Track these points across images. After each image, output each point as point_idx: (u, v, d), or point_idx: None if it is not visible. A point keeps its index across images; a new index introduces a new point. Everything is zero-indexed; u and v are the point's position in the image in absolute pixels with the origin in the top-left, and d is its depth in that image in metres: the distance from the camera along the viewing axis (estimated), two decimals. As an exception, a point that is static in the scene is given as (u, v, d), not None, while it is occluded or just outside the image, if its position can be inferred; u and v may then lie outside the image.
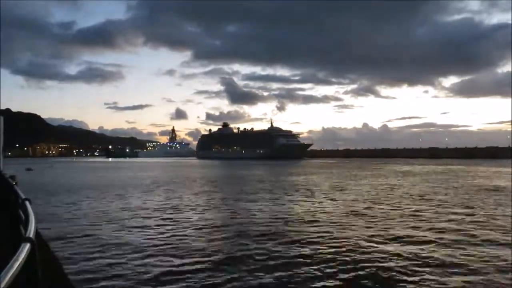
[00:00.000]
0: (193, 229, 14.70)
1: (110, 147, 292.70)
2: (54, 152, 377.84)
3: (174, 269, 9.58)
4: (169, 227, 15.08)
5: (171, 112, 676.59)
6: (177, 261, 10.27)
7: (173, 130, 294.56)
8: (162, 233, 14.00)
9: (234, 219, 16.98)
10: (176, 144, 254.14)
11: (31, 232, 2.70)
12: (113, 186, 34.37)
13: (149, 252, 11.24)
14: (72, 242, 12.44)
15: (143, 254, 10.94)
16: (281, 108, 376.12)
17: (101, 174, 57.18)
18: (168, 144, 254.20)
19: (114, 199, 24.47)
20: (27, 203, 4.04)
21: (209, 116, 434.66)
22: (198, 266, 9.79)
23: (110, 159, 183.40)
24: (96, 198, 24.75)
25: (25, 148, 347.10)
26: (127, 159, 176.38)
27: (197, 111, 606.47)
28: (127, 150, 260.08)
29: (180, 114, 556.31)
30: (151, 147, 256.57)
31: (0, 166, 12.45)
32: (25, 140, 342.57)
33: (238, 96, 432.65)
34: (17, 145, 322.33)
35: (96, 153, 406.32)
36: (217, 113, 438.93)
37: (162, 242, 12.45)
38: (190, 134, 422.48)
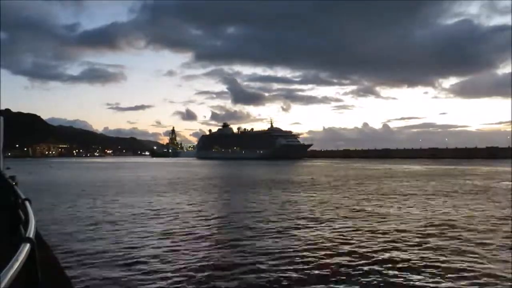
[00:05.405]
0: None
1: (155, 148, 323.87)
2: (54, 152, 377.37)
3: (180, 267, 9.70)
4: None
5: (181, 112, 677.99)
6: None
7: (173, 131, 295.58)
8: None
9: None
10: None
11: (31, 232, 2.70)
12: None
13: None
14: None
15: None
16: (286, 109, 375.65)
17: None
18: None
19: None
20: (27, 203, 4.04)
21: (214, 117, 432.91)
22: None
23: (154, 159, 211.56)
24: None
25: (25, 149, 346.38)
26: (169, 159, 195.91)
27: (199, 112, 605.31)
28: (170, 150, 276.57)
29: (189, 115, 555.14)
30: (191, 147, 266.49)
31: (0, 167, 12.43)
32: (25, 141, 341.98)
33: (241, 96, 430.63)
34: (17, 146, 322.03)
35: (96, 153, 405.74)
36: (222, 113, 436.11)
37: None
38: (194, 134, 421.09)
